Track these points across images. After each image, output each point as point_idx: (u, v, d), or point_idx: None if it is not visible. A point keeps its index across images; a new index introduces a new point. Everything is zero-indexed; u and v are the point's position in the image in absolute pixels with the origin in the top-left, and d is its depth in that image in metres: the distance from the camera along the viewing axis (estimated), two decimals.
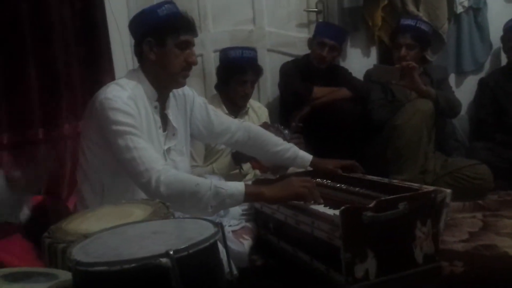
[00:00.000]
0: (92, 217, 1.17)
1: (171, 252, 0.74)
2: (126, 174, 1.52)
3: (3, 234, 1.57)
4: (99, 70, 2.33)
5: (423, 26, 2.71)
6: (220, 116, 1.95)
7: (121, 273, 0.74)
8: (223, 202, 1.47)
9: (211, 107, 1.93)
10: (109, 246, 0.84)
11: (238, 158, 2.21)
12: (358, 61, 3.14)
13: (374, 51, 3.20)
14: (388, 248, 1.36)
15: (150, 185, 1.45)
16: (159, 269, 0.74)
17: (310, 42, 2.86)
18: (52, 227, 1.11)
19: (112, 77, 2.33)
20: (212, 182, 1.47)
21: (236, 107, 2.53)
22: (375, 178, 1.78)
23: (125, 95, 1.56)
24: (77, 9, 2.25)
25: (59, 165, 2.13)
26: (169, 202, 1.34)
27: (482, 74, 3.30)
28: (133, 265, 0.74)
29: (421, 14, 3.04)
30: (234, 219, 1.87)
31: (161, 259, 0.74)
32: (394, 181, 1.80)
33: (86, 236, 0.92)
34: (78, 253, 0.80)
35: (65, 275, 0.91)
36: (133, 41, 1.77)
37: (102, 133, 1.56)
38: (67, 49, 2.18)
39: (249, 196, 1.50)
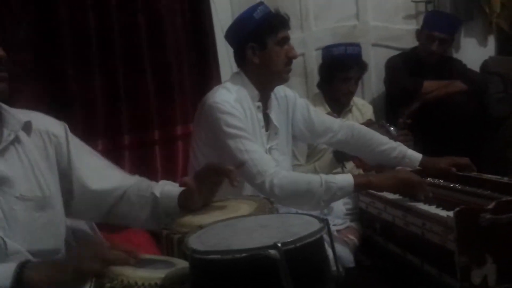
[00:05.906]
0: (203, 211, 1.24)
1: (279, 244, 0.76)
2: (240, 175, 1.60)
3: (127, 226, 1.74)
4: (207, 74, 2.46)
5: None
6: (321, 116, 1.95)
7: (232, 262, 0.77)
8: (334, 195, 1.51)
9: (312, 108, 1.94)
10: (222, 237, 0.89)
11: (339, 156, 2.17)
12: (474, 52, 2.90)
13: (492, 41, 2.94)
14: (510, 253, 1.25)
15: (264, 187, 1.53)
16: (268, 260, 0.76)
17: (419, 34, 2.71)
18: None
19: (218, 81, 2.45)
20: (322, 178, 1.51)
21: (339, 105, 2.49)
22: (494, 177, 1.64)
23: (232, 98, 1.64)
24: (187, 18, 2.41)
25: (172, 164, 2.30)
26: (284, 202, 1.44)
27: None
28: (243, 255, 0.77)
29: None
30: (338, 218, 1.85)
31: (269, 250, 0.76)
32: None
33: (201, 227, 0.98)
34: (195, 242, 0.86)
35: (181, 263, 0.98)
36: None
37: (211, 134, 1.65)
38: (179, 56, 2.35)
39: (358, 187, 1.52)
